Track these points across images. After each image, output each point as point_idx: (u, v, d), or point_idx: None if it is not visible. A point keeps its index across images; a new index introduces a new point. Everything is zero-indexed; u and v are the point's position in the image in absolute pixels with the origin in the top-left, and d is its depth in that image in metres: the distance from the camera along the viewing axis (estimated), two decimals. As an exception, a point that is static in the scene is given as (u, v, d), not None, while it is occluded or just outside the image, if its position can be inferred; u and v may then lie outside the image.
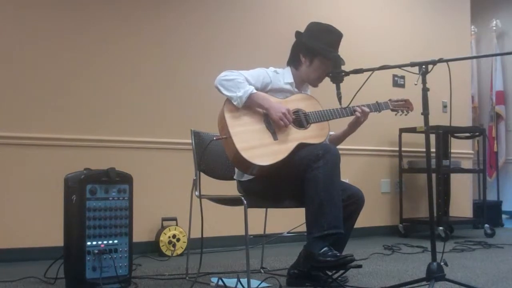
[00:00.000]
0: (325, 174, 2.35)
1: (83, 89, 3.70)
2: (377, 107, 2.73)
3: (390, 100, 2.80)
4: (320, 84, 2.77)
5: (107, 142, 3.72)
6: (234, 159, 2.48)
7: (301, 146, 2.48)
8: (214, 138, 2.59)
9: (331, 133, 2.78)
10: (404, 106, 2.82)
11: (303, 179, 2.39)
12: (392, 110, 2.80)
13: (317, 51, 2.66)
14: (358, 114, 2.65)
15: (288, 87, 2.68)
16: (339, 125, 2.79)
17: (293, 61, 2.75)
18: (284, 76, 2.70)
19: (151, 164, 3.87)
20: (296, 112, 2.58)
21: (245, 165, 2.46)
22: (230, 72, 2.55)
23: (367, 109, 2.67)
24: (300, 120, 2.58)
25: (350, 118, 2.71)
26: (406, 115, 2.86)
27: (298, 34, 2.77)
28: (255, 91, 2.52)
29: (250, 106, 2.52)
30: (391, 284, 2.53)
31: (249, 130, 2.49)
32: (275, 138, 2.50)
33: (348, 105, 2.60)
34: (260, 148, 2.45)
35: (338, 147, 2.78)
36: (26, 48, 3.54)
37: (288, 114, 2.50)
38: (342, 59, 2.56)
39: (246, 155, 2.40)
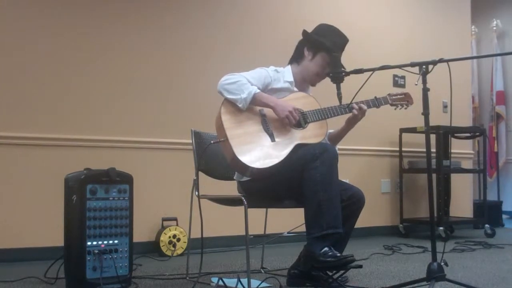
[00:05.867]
0: (323, 173, 2.34)
1: (84, 89, 3.70)
2: (376, 102, 2.70)
3: (389, 94, 2.77)
4: (321, 84, 2.77)
5: (108, 142, 3.72)
6: (232, 162, 2.47)
7: (299, 147, 2.48)
8: (212, 142, 2.56)
9: (330, 131, 2.77)
10: (403, 100, 2.78)
11: (301, 179, 2.39)
12: (392, 104, 2.76)
13: (321, 47, 2.65)
14: (355, 111, 2.63)
15: (287, 85, 2.67)
16: (340, 122, 2.78)
17: (296, 57, 2.74)
18: (284, 75, 2.70)
19: (151, 164, 3.87)
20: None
21: (243, 168, 2.45)
22: (231, 75, 2.54)
23: (364, 107, 2.64)
24: (298, 120, 2.56)
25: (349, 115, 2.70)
26: (406, 108, 2.81)
27: (305, 32, 2.77)
28: (258, 91, 2.51)
29: (250, 107, 2.51)
30: (391, 284, 2.53)
31: (246, 132, 2.48)
32: (272, 139, 2.49)
33: (349, 104, 2.59)
34: (257, 150, 2.44)
35: (339, 147, 2.78)
36: (26, 48, 3.54)
37: (294, 112, 2.50)
38: (343, 65, 2.55)
39: (243, 158, 2.40)
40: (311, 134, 2.56)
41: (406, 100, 2.79)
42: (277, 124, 2.53)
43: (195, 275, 2.78)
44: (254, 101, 2.50)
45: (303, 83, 2.77)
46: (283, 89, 2.66)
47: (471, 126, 5.71)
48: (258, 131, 2.51)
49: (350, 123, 2.71)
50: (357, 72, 2.46)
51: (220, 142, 2.48)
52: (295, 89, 2.71)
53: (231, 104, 2.52)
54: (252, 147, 2.44)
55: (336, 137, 2.78)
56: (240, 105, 2.49)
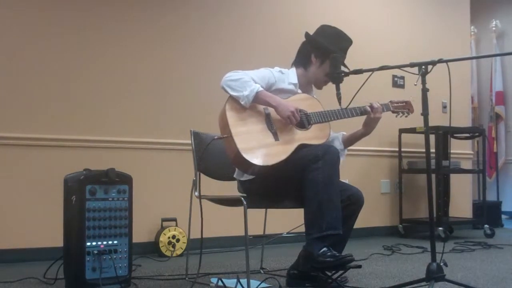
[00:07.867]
0: (324, 175, 2.35)
1: (83, 90, 3.70)
2: None
3: (390, 101, 2.79)
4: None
5: (107, 142, 3.72)
6: (235, 159, 2.48)
7: (301, 147, 2.48)
8: (215, 137, 2.58)
9: (343, 133, 2.78)
10: (404, 108, 2.80)
11: (302, 180, 2.39)
12: (393, 112, 2.79)
13: (330, 54, 2.65)
14: (368, 108, 2.63)
15: (291, 87, 2.68)
16: (345, 125, 2.78)
17: (303, 62, 2.74)
18: (289, 76, 2.70)
19: (151, 164, 3.87)
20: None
21: (246, 165, 2.46)
22: (235, 72, 2.55)
23: (376, 104, 2.64)
24: (302, 120, 2.57)
25: (353, 119, 2.70)
26: (406, 117, 2.84)
27: (308, 35, 2.77)
28: (261, 89, 2.51)
29: (255, 105, 2.52)
30: (390, 284, 2.53)
31: (251, 130, 2.49)
32: (276, 138, 2.50)
33: (348, 105, 2.58)
34: (261, 148, 2.45)
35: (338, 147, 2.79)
36: (26, 48, 3.54)
37: (296, 113, 2.50)
38: (347, 66, 2.55)
39: (247, 155, 2.40)
40: (314, 136, 2.57)
41: (407, 108, 2.82)
42: (281, 123, 2.54)
43: (194, 275, 2.78)
44: (257, 99, 2.50)
45: (307, 85, 2.77)
46: (287, 91, 2.66)
47: (470, 127, 5.72)
48: (262, 129, 2.52)
49: (367, 126, 2.70)
50: (357, 72, 2.46)
51: (224, 138, 2.49)
52: (299, 91, 2.71)
53: (236, 102, 2.52)
54: (256, 145, 2.45)
55: (351, 140, 2.77)
56: (242, 102, 2.49)
